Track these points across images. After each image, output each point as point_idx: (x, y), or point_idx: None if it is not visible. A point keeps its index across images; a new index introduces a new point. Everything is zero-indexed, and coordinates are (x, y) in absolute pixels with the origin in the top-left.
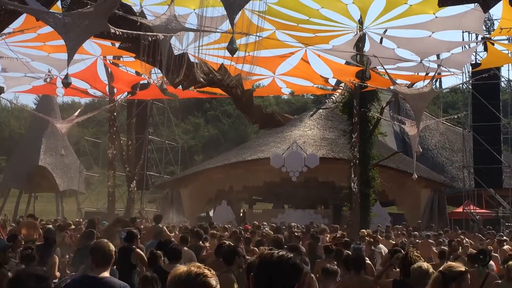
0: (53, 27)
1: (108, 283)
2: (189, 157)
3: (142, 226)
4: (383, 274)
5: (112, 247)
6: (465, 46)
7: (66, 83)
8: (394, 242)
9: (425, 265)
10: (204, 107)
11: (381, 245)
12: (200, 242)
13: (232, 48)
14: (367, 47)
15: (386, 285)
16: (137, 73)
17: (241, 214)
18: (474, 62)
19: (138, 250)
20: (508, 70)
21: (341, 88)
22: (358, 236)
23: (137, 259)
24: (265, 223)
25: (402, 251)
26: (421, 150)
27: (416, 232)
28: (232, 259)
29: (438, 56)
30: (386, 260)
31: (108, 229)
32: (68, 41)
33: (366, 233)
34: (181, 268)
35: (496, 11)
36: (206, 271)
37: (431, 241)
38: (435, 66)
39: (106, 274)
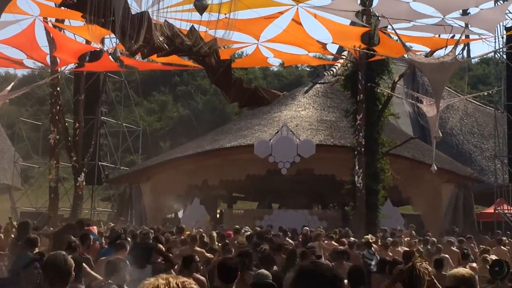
0: None
1: None
2: (153, 143)
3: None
4: None
5: (70, 261)
6: (498, 0)
7: None
8: (404, 250)
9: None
10: (172, 82)
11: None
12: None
13: (200, 5)
14: (375, 2)
15: None
16: (87, 42)
17: (218, 216)
18: (510, 24)
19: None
20: None
21: (343, 57)
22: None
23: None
24: (247, 227)
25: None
26: (441, 135)
27: (433, 239)
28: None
29: (464, 12)
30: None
31: (57, 236)
32: None
33: (370, 239)
34: (157, 280)
35: None
36: (186, 279)
37: (454, 249)
38: (461, 25)
39: None
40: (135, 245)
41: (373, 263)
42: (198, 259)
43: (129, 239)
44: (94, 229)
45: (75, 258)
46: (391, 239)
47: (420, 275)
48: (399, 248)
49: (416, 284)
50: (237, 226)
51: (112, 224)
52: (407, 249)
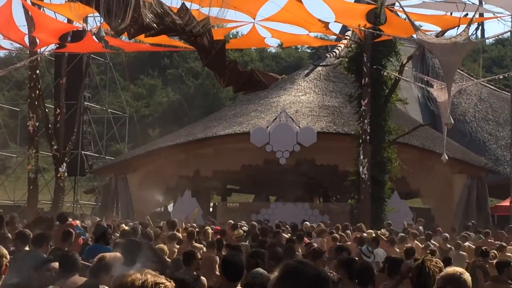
0: None
1: None
2: (140, 131)
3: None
4: None
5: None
6: None
7: None
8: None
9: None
10: (161, 64)
11: (380, 249)
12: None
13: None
14: None
15: None
16: (69, 21)
17: (211, 209)
18: None
19: None
20: None
21: (347, 37)
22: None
23: None
24: (243, 222)
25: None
26: (453, 122)
27: (446, 234)
28: None
29: None
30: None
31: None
32: None
33: (374, 234)
34: (133, 275)
35: None
36: (163, 280)
37: (471, 244)
38: (475, 3)
39: None
40: (124, 242)
41: (370, 260)
42: (199, 256)
43: (117, 234)
44: (77, 223)
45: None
46: (403, 234)
47: (430, 273)
48: (409, 245)
49: (425, 282)
50: (230, 221)
51: (98, 219)
52: (415, 245)
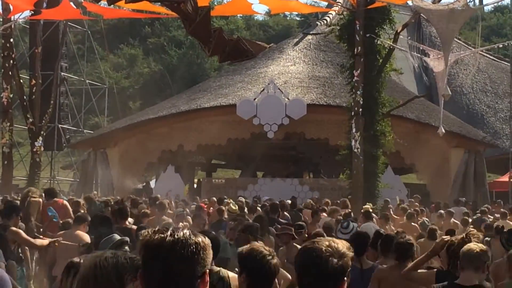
0: None
1: None
2: (120, 103)
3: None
4: (421, 265)
5: None
6: None
7: None
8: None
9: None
10: (142, 33)
11: (371, 223)
12: (127, 223)
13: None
14: None
15: (425, 279)
16: None
17: (195, 185)
18: None
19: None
20: None
21: (339, 3)
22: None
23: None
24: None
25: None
26: (450, 94)
27: (441, 211)
28: None
29: None
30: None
31: None
32: None
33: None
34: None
35: None
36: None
37: (455, 221)
38: None
39: None
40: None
41: (346, 237)
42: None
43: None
44: (62, 202)
45: None
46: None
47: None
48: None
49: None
50: (213, 199)
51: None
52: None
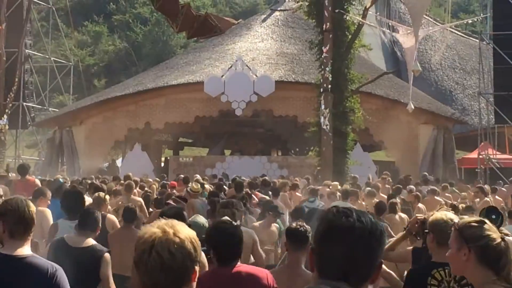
0: None
1: (32, 266)
2: (86, 81)
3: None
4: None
5: (33, 207)
6: None
7: None
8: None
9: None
10: (107, 10)
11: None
12: None
13: None
14: None
15: (402, 257)
16: None
17: (163, 164)
18: None
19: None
20: None
21: None
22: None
23: None
24: (197, 175)
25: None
26: (420, 69)
27: (411, 186)
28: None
29: None
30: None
31: None
32: None
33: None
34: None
35: None
36: None
37: (438, 198)
38: None
39: (26, 249)
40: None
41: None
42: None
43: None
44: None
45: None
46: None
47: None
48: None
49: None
50: (181, 175)
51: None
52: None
